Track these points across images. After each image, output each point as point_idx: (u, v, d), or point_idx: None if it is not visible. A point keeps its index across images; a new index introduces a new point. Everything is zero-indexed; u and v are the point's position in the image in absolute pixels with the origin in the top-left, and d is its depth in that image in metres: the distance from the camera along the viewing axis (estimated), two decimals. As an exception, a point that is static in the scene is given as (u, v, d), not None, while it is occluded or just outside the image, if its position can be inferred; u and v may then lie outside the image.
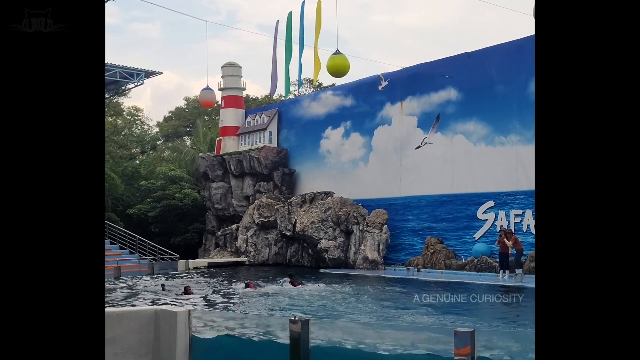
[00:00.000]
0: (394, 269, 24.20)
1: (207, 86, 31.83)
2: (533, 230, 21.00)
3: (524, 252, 20.35)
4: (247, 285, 17.82)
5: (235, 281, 20.07)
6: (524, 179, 21.38)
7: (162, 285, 17.56)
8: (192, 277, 21.80)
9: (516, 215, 21.74)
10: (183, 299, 15.03)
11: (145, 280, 20.79)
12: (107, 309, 10.78)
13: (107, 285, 18.44)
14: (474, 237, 23.01)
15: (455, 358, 4.86)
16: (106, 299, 15.13)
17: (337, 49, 21.88)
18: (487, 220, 22.69)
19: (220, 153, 33.85)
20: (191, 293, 16.02)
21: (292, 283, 18.09)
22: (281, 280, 18.64)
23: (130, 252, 29.05)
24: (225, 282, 20.31)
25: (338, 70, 21.90)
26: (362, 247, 24.81)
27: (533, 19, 16.48)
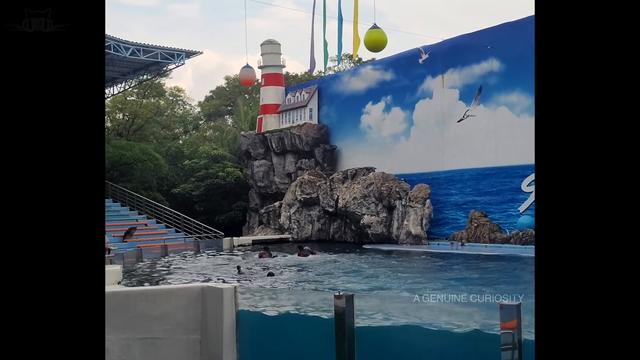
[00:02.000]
0: (438, 244, 24.11)
1: (247, 64, 31.90)
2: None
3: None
4: (260, 256, 20.15)
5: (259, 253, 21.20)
6: (570, 150, 20.94)
7: (238, 267, 16.77)
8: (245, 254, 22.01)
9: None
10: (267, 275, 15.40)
11: (213, 260, 20.65)
12: (155, 287, 11.01)
13: (179, 264, 18.90)
14: (518, 210, 22.73)
15: (501, 332, 4.83)
16: (171, 279, 15.31)
17: (375, 23, 21.67)
18: (531, 192, 22.34)
19: (262, 131, 34.00)
20: (272, 275, 15.75)
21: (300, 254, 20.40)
22: (256, 253, 21.11)
23: (176, 231, 29.53)
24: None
25: (376, 44, 21.70)
26: (405, 222, 24.74)
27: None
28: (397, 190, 25.57)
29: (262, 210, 31.20)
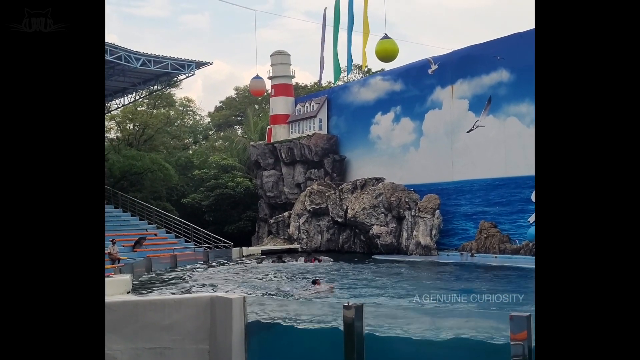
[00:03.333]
0: (447, 254, 24.03)
1: (257, 75, 32.01)
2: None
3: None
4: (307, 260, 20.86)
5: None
6: (580, 160, 20.89)
7: (278, 288, 15.40)
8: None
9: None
10: (315, 292, 13.97)
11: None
12: (164, 296, 11.03)
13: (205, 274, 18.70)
14: (528, 221, 22.63)
15: (511, 343, 4.81)
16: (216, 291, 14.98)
17: (386, 34, 21.71)
18: (542, 203, 22.25)
19: (271, 141, 34.08)
20: (319, 284, 14.65)
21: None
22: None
23: (186, 241, 29.56)
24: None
25: (387, 55, 21.73)
26: (415, 233, 24.68)
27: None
28: (407, 200, 25.52)
29: (272, 221, 31.21)
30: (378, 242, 25.25)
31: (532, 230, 22.20)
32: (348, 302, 5.78)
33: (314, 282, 14.70)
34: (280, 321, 7.32)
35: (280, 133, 34.28)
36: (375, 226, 25.53)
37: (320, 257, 21.12)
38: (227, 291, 13.15)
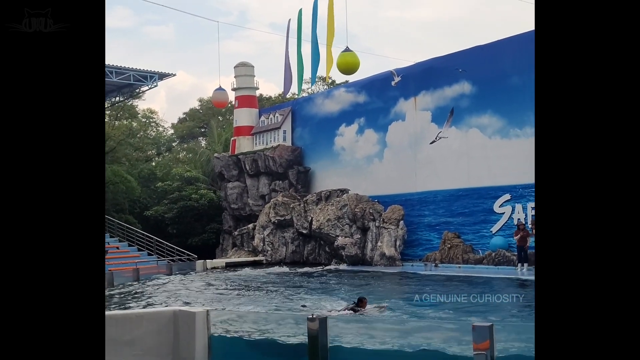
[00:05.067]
0: (412, 265, 24.14)
1: (220, 86, 31.91)
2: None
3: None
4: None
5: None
6: (541, 171, 21.23)
7: (303, 305, 14.09)
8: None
9: (533, 208, 21.56)
10: (360, 314, 11.95)
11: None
12: (126, 311, 10.84)
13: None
14: (491, 231, 22.89)
15: (474, 353, 4.84)
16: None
17: (347, 46, 21.86)
18: (504, 213, 22.56)
19: (235, 153, 33.93)
20: (365, 304, 12.38)
21: None
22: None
23: (149, 254, 29.20)
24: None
25: (348, 67, 21.88)
26: (379, 244, 24.76)
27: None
28: (371, 211, 25.62)
29: (236, 233, 31.03)
30: (343, 253, 25.26)
31: (494, 240, 22.45)
32: (312, 315, 5.76)
33: (360, 301, 12.38)
34: (244, 335, 7.26)
35: (244, 145, 34.17)
36: (340, 237, 25.55)
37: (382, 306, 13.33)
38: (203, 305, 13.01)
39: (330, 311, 12.19)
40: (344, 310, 12.13)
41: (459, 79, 24.41)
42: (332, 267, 24.44)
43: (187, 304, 13.98)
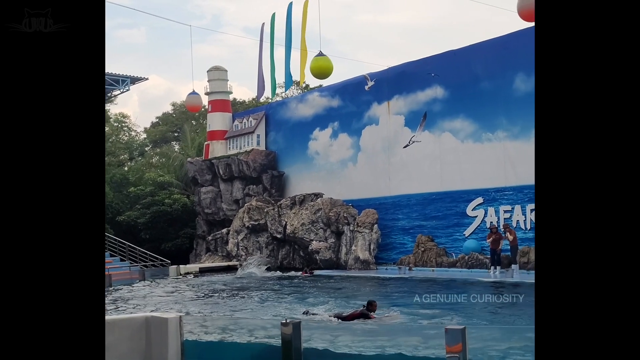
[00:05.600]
0: (386, 269, 24.22)
1: (193, 91, 31.73)
2: (522, 226, 21.11)
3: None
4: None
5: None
6: (512, 174, 21.47)
7: (306, 311, 13.40)
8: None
9: (505, 211, 21.80)
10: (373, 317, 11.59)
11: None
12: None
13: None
14: (464, 234, 23.07)
15: (447, 355, 4.86)
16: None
17: (320, 51, 21.88)
18: (476, 216, 22.75)
19: (209, 157, 33.77)
20: (374, 308, 11.85)
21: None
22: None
23: (121, 260, 28.90)
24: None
25: (321, 72, 21.89)
26: (353, 248, 24.80)
27: (517, 14, 16.54)
28: (345, 215, 25.66)
29: (210, 237, 30.85)
30: (317, 257, 25.25)
31: (467, 243, 22.63)
32: (286, 319, 5.74)
33: (369, 305, 11.75)
34: (218, 339, 7.21)
35: (217, 149, 34.03)
36: (314, 242, 25.54)
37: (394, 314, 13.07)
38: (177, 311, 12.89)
39: (337, 317, 11.69)
40: (353, 314, 11.56)
41: (432, 84, 24.59)
42: (307, 272, 24.40)
43: (159, 309, 13.86)
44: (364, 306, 11.80)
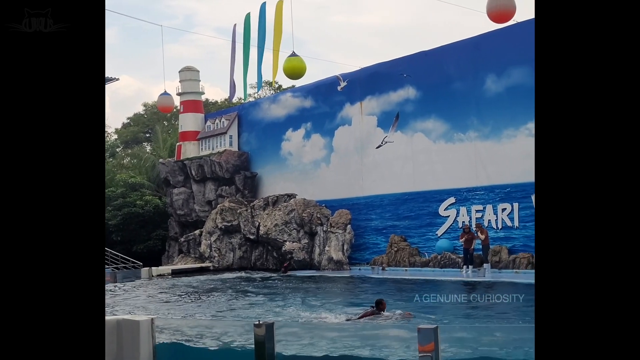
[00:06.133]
0: (359, 269, 24.28)
1: (165, 91, 31.47)
2: (494, 225, 21.30)
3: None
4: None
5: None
6: (484, 174, 21.68)
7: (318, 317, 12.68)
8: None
9: (477, 211, 21.99)
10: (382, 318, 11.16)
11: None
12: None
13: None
14: (436, 234, 23.22)
15: (419, 355, 4.88)
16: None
17: (293, 51, 21.86)
18: (449, 216, 22.91)
19: (181, 158, 33.54)
20: (384, 307, 11.49)
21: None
22: None
23: (92, 262, 28.54)
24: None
25: (294, 72, 21.87)
26: (327, 248, 24.82)
27: (487, 16, 16.69)
28: (319, 216, 25.67)
29: (182, 239, 30.63)
30: (291, 258, 25.22)
31: (440, 242, 22.78)
32: (259, 321, 5.72)
33: (379, 304, 11.38)
34: (190, 342, 7.16)
35: (190, 150, 33.81)
36: (287, 242, 25.51)
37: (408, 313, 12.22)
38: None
39: (348, 319, 11.55)
40: (364, 315, 11.31)
41: (404, 84, 24.71)
42: (281, 273, 24.41)
43: (131, 312, 13.72)
44: (372, 307, 11.53)
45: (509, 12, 17.02)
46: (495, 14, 16.64)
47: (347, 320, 11.52)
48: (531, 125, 20.10)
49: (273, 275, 23.89)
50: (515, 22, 19.60)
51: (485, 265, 19.91)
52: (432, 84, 23.74)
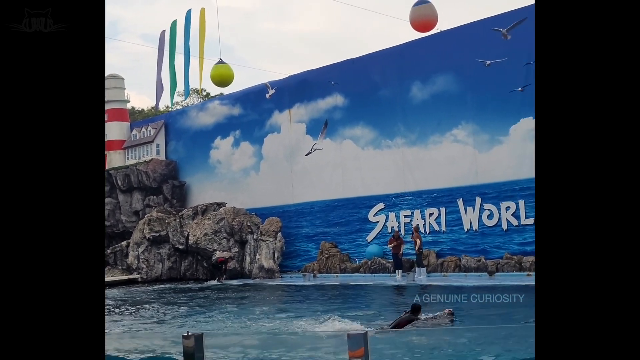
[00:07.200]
0: (290, 276, 24.26)
1: (89, 99, 30.70)
2: (422, 230, 21.64)
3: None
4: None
5: None
6: (411, 180, 22.05)
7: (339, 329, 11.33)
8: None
9: (405, 216, 22.34)
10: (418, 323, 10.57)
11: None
12: None
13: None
14: (366, 240, 23.44)
15: (350, 361, 4.89)
16: None
17: (220, 59, 21.72)
18: (378, 222, 23.18)
19: (106, 168, 32.77)
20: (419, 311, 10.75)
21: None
22: None
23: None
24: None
25: (222, 79, 21.73)
26: (258, 256, 24.71)
27: (410, 25, 17.04)
28: (249, 224, 25.53)
29: (109, 251, 29.87)
30: (222, 267, 24.95)
31: (370, 248, 22.99)
32: (187, 332, 5.63)
33: (416, 310, 10.62)
34: (120, 355, 7.00)
35: (115, 159, 33.08)
36: (217, 251, 25.25)
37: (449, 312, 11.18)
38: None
39: (383, 327, 10.83)
40: (400, 322, 10.51)
41: (332, 92, 24.91)
42: (214, 282, 24.18)
43: None
44: (406, 312, 10.83)
45: (431, 22, 17.43)
46: (418, 24, 17.00)
47: (379, 330, 10.26)
48: (456, 131, 20.62)
49: (203, 285, 23.59)
50: (439, 31, 20.09)
51: (418, 269, 20.13)
52: (359, 91, 24.00)
